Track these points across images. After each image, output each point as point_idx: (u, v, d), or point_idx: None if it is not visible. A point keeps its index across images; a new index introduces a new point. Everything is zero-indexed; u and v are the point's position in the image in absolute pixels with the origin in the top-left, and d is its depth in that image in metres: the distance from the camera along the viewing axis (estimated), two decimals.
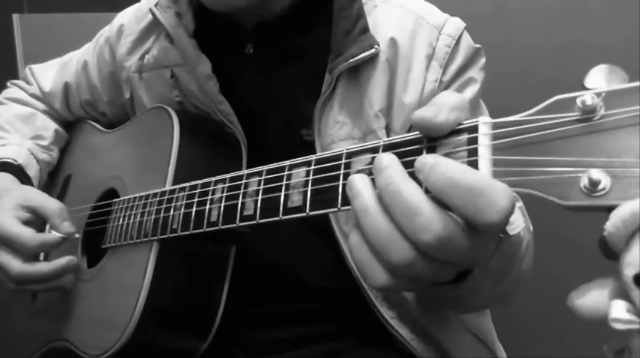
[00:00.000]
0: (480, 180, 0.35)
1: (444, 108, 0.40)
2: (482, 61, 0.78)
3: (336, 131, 0.74)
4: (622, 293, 0.31)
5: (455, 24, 0.76)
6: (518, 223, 0.59)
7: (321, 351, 0.80)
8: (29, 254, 0.77)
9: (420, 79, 0.74)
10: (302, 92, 0.77)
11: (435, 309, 0.76)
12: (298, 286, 0.80)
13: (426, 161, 0.37)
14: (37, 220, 0.80)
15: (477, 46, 0.78)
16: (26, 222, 0.79)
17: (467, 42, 0.76)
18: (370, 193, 0.40)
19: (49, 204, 0.80)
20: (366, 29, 0.74)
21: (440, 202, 0.37)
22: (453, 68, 0.75)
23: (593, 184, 0.33)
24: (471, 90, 0.76)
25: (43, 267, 0.77)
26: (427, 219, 0.37)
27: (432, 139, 0.41)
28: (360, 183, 0.40)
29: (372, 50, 0.72)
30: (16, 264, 0.76)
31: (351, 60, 0.72)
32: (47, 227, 0.80)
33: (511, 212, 0.35)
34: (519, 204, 0.72)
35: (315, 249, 0.79)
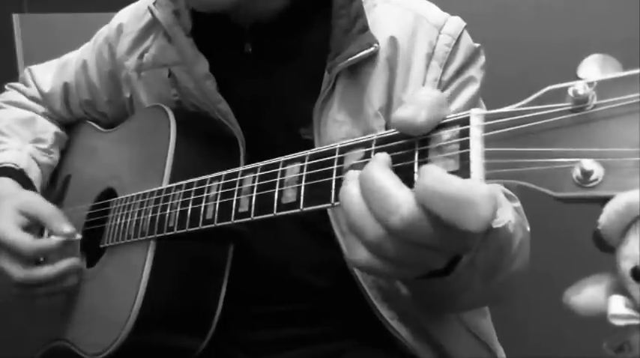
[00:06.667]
0: (462, 191, 0.35)
1: (424, 106, 0.40)
2: (482, 60, 0.78)
3: (336, 130, 0.74)
4: (619, 288, 0.31)
5: (455, 23, 0.76)
6: (504, 217, 0.58)
7: (320, 352, 0.80)
8: (28, 260, 0.77)
9: (419, 79, 0.74)
10: (300, 91, 0.77)
11: (430, 309, 0.75)
12: (297, 286, 0.80)
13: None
14: (36, 225, 0.81)
15: (477, 45, 0.77)
16: (26, 228, 0.79)
17: (467, 41, 0.76)
18: (354, 182, 0.41)
19: (44, 209, 0.80)
20: (365, 28, 0.73)
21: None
22: (453, 67, 0.75)
23: (586, 175, 0.32)
24: (471, 90, 0.75)
25: (45, 270, 0.77)
26: (394, 204, 0.38)
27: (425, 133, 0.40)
28: (349, 175, 0.42)
29: (372, 49, 0.71)
30: (17, 270, 0.76)
31: (350, 58, 0.71)
32: (46, 232, 0.80)
33: (493, 218, 0.35)
34: (516, 204, 0.72)
35: (314, 249, 0.79)
